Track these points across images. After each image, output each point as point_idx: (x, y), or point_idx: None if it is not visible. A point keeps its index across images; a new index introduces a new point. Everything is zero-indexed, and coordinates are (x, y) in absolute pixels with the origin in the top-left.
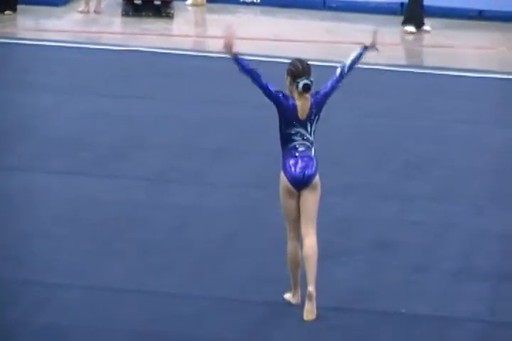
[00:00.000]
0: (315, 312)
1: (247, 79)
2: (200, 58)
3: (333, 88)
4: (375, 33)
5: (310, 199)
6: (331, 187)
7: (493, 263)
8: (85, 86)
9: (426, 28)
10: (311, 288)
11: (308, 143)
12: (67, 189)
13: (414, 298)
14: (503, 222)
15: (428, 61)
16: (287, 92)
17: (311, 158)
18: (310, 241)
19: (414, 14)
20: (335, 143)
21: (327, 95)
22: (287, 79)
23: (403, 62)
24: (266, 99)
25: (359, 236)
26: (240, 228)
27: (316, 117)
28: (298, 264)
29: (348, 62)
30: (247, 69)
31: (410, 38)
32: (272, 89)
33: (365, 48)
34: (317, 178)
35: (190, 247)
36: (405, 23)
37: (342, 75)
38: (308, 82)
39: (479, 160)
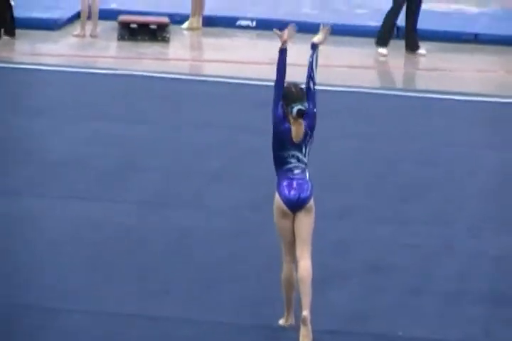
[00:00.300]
0: (311, 336)
1: (242, 105)
2: (196, 82)
3: (314, 105)
4: (325, 28)
5: (305, 222)
6: (327, 210)
7: (489, 285)
8: (81, 110)
9: (421, 51)
10: (305, 313)
11: (303, 166)
12: (65, 213)
13: (410, 321)
14: (499, 244)
15: (423, 84)
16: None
17: (306, 181)
18: (305, 264)
19: (384, 35)
20: (329, 166)
21: (315, 115)
22: (281, 103)
23: (397, 85)
24: (262, 124)
25: (354, 259)
26: (237, 251)
27: (311, 139)
28: (292, 287)
29: (310, 71)
30: (281, 67)
31: (402, 61)
32: (280, 103)
33: (315, 47)
34: (312, 201)
35: (188, 270)
36: (376, 44)
37: (314, 84)
38: (303, 108)
39: (473, 183)
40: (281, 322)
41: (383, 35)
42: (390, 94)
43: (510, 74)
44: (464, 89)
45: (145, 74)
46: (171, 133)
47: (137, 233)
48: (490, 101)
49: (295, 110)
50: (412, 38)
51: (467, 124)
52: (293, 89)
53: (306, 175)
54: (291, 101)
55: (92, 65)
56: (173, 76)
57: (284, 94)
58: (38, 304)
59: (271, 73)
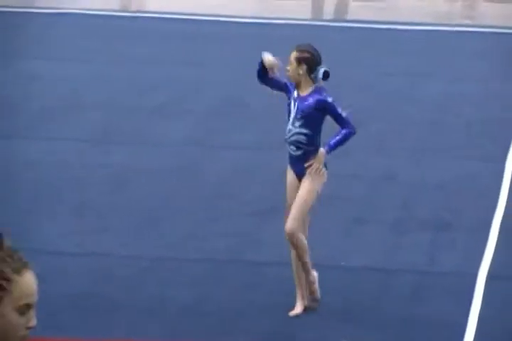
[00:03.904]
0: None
1: (185, 40)
2: (137, 18)
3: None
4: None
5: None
6: (270, 143)
7: (432, 212)
8: (20, 49)
9: None
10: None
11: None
12: (4, 152)
13: (354, 251)
14: (440, 171)
15: (363, 14)
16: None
17: None
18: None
19: None
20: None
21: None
22: (300, 68)
23: (338, 16)
24: (205, 59)
25: None
26: (178, 187)
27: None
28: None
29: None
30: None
31: None
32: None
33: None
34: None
35: (129, 207)
36: None
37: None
38: (328, 69)
39: (414, 113)
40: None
41: None
42: (330, 26)
43: (447, 3)
44: (404, 19)
45: (85, 12)
46: (113, 70)
47: (77, 170)
48: (429, 30)
49: (322, 71)
50: None
51: (407, 54)
52: (314, 52)
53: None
54: (319, 63)
55: (31, 5)
56: (114, 13)
57: (307, 58)
58: None
59: (213, 7)
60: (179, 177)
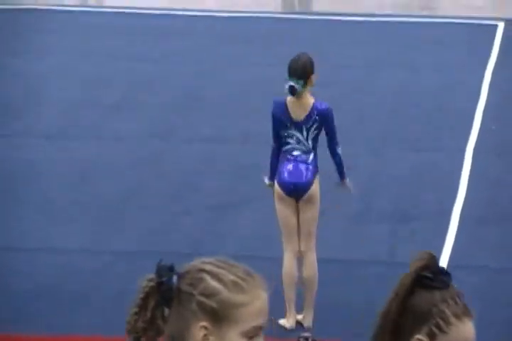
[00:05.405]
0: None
1: (140, 35)
2: (94, 13)
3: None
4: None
5: (307, 214)
6: (229, 136)
7: (391, 203)
8: None
9: None
10: (306, 324)
11: (303, 148)
12: None
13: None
14: (400, 162)
15: (320, 6)
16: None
17: (305, 165)
18: (310, 261)
19: None
20: (227, 92)
21: (327, 121)
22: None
23: (299, 8)
24: (159, 54)
25: (258, 184)
26: (139, 181)
27: (316, 128)
28: (293, 283)
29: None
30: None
31: None
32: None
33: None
34: (312, 190)
35: (91, 202)
36: None
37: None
38: (294, 85)
39: (373, 103)
40: (281, 321)
41: None
42: (291, 18)
43: None
44: (359, 11)
45: (43, 7)
46: (69, 64)
47: (38, 166)
48: (388, 22)
49: (287, 86)
50: None
51: (366, 45)
52: (294, 63)
53: (307, 158)
54: (288, 76)
55: None
56: (72, 8)
57: (289, 64)
58: None
59: (172, 1)
60: (139, 171)
